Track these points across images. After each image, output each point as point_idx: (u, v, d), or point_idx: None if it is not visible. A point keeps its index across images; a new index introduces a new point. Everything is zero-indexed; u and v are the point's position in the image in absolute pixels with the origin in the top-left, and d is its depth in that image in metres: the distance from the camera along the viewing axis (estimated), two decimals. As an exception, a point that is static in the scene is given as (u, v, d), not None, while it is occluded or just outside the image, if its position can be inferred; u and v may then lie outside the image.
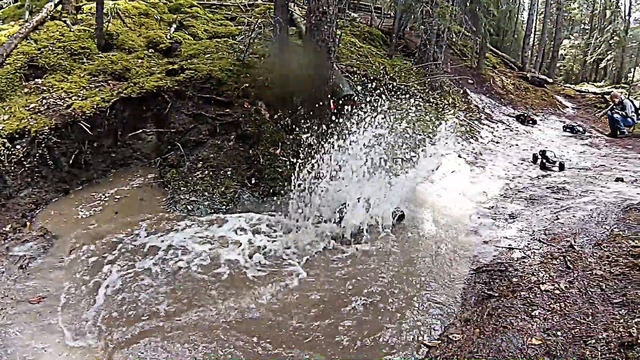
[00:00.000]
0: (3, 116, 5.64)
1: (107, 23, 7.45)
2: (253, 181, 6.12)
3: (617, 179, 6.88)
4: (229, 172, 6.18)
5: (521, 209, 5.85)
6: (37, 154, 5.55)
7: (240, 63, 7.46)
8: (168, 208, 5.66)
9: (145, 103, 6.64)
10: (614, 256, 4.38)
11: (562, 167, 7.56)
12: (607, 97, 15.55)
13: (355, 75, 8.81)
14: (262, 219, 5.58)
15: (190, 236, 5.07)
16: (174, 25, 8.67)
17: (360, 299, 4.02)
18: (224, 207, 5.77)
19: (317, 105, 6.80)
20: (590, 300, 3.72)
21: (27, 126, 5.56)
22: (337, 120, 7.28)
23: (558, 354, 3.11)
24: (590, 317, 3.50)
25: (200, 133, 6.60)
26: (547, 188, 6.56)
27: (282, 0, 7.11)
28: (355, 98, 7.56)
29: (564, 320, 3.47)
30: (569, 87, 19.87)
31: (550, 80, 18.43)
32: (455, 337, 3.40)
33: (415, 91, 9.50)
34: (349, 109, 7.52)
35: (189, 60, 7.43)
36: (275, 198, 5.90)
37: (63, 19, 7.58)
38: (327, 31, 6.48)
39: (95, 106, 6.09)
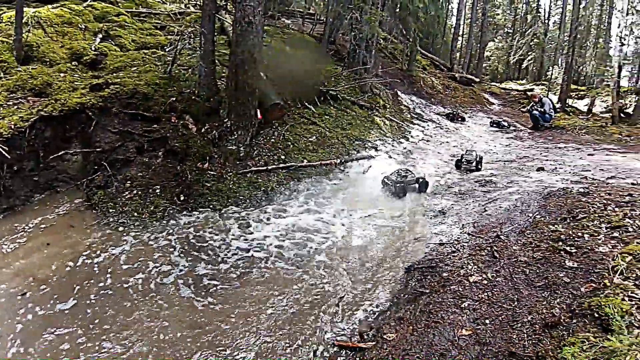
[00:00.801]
0: None
1: (27, 33, 6.95)
2: (182, 198, 6.02)
3: (539, 169, 7.54)
4: (157, 190, 6.06)
5: (451, 204, 6.16)
6: None
7: (167, 76, 7.40)
8: (99, 233, 5.35)
9: (69, 121, 6.34)
10: (536, 242, 4.75)
11: (477, 168, 7.99)
12: (529, 93, 17.16)
13: (285, 83, 8.93)
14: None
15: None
16: (100, 35, 8.26)
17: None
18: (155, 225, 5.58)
19: (244, 116, 6.87)
20: (516, 287, 3.98)
21: None
22: (264, 130, 7.35)
23: (487, 341, 3.28)
24: (516, 302, 3.74)
25: (127, 151, 6.43)
26: (476, 182, 6.99)
27: (209, 10, 7.07)
28: (281, 106, 7.67)
29: (492, 308, 3.67)
30: (495, 85, 21.72)
31: (478, 80, 19.98)
32: (390, 337, 3.45)
33: (345, 95, 9.78)
34: (277, 117, 7.64)
35: (114, 74, 7.21)
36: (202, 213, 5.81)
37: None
38: (252, 41, 6.57)
39: (13, 126, 5.66)
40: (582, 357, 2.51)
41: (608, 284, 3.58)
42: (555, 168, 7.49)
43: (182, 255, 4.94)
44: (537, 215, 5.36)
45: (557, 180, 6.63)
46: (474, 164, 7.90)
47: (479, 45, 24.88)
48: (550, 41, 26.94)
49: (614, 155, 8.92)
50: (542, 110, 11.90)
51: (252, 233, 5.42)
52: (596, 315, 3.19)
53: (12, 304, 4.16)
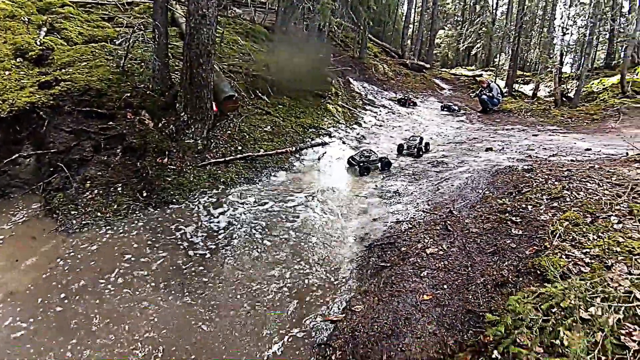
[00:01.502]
0: None
1: None
2: (145, 194, 6.04)
3: (487, 149, 8.20)
4: (119, 188, 6.04)
5: (406, 185, 6.61)
6: None
7: (120, 70, 7.29)
8: (61, 238, 5.23)
9: (18, 122, 6.18)
10: (485, 215, 5.29)
11: (419, 155, 8.28)
12: (478, 79, 18.25)
13: (239, 74, 9.04)
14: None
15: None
16: (45, 29, 7.89)
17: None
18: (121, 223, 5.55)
19: (200, 109, 6.96)
20: (469, 255, 4.46)
21: None
22: (220, 122, 7.47)
23: (447, 303, 3.70)
24: (469, 268, 4.21)
25: (83, 150, 6.32)
26: (428, 163, 7.52)
27: (161, 1, 6.99)
28: (236, 98, 7.83)
29: (448, 275, 4.11)
30: (445, 71, 22.86)
31: (428, 66, 20.93)
32: (358, 309, 3.80)
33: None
34: (232, 109, 7.77)
35: (63, 70, 7.01)
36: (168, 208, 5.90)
37: None
38: (206, 34, 6.63)
39: None
40: (525, 302, 2.96)
41: (548, 246, 4.13)
42: (503, 148, 8.18)
43: (154, 248, 5.04)
44: (486, 191, 5.93)
45: (504, 159, 7.27)
46: (414, 149, 8.26)
47: (429, 33, 25.91)
48: (498, 30, 28.65)
49: (556, 136, 9.84)
50: (491, 94, 12.82)
51: (218, 221, 5.64)
52: (538, 272, 3.71)
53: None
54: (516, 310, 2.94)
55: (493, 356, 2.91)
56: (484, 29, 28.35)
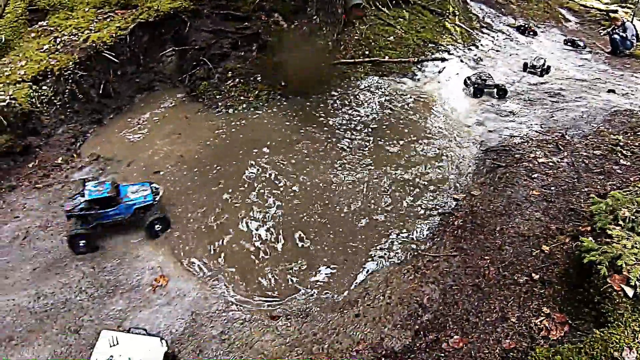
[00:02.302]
0: (20, 62, 6.35)
1: None
2: (282, 84, 7.33)
3: (610, 90, 8.36)
4: (258, 78, 7.39)
5: (520, 108, 7.25)
6: (66, 90, 6.41)
7: None
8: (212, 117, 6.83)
9: (163, 26, 7.52)
10: (596, 144, 5.97)
11: (541, 75, 9.08)
12: (612, 15, 17.04)
13: None
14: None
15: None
16: None
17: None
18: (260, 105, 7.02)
19: (331, 14, 7.95)
20: (576, 170, 5.31)
21: (48, 66, 6.31)
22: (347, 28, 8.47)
23: (553, 200, 4.68)
24: (575, 180, 5.09)
25: (223, 47, 7.68)
26: (545, 92, 8.01)
27: None
28: (363, 7, 8.71)
29: (556, 180, 5.04)
30: (574, 1, 21.22)
31: (554, -7, 19.64)
32: (476, 193, 4.95)
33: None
34: (358, 17, 8.72)
35: None
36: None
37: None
38: None
39: (114, 35, 6.89)
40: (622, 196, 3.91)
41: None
42: (627, 93, 8.37)
43: (299, 125, 6.53)
44: (601, 126, 6.49)
45: (625, 103, 7.61)
46: (539, 69, 9.06)
47: None
48: None
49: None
50: (624, 35, 12.19)
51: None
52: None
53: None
54: (615, 197, 3.89)
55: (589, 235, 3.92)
56: (627, -50, 25.27)
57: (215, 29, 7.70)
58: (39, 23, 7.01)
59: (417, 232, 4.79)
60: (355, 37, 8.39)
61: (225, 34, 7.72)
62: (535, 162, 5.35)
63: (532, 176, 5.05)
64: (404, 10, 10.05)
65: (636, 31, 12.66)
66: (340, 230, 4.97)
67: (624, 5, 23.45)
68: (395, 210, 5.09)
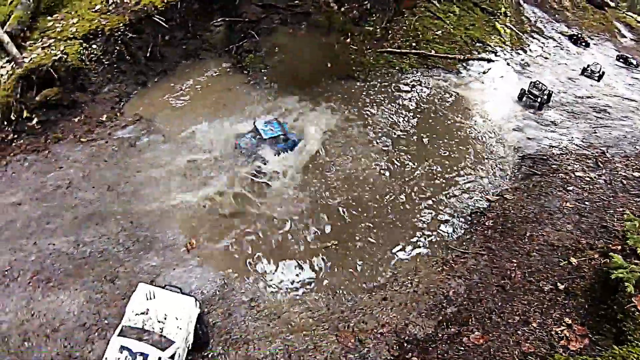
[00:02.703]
0: (72, 20, 6.57)
1: None
2: (329, 65, 7.50)
3: (659, 114, 8.33)
4: (305, 56, 7.53)
5: (563, 119, 7.25)
6: (115, 51, 6.65)
7: None
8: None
9: None
10: (637, 166, 6.02)
11: (598, 80, 9.62)
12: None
13: None
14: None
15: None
16: None
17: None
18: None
19: (380, 1, 8.15)
20: (613, 189, 5.36)
21: (99, 26, 6.55)
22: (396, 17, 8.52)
23: (586, 215, 4.80)
24: (611, 198, 5.16)
25: (272, 22, 7.86)
26: (590, 107, 7.93)
27: None
28: None
29: (591, 196, 5.12)
30: (632, 16, 20.44)
31: (613, 4, 18.85)
32: (509, 197, 5.07)
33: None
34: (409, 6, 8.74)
35: None
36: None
37: None
38: None
39: (165, 0, 7.05)
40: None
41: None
42: (679, 119, 8.26)
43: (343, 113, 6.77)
44: (645, 149, 6.52)
45: (675, 129, 7.51)
46: (597, 74, 9.67)
47: None
48: None
49: None
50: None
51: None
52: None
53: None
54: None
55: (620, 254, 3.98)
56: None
57: (266, 3, 7.85)
58: None
59: (448, 226, 4.98)
60: (404, 28, 8.47)
61: (275, 9, 7.86)
62: (572, 175, 5.43)
63: (568, 188, 5.13)
64: (455, 5, 10.00)
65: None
66: (376, 216, 5.19)
67: (684, 25, 22.52)
68: (429, 203, 5.29)
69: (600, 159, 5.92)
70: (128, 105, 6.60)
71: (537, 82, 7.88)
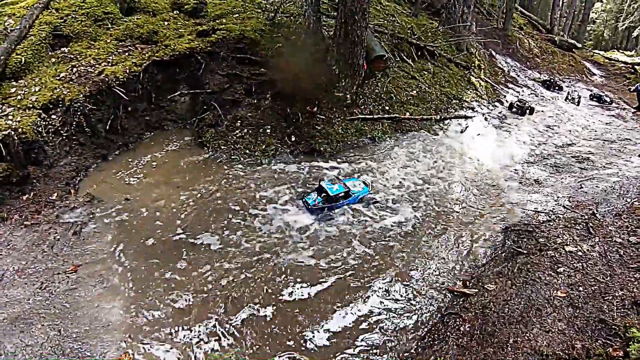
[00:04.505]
0: (34, 87, 5.76)
1: None
2: (293, 138, 6.42)
3: (641, 154, 7.22)
4: (268, 130, 6.46)
5: (547, 176, 6.22)
6: (74, 123, 5.71)
7: (271, 23, 7.56)
8: (213, 167, 5.84)
9: (178, 65, 6.78)
10: (632, 227, 4.83)
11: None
12: (638, 67, 15.45)
13: (383, 35, 8.85)
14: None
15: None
16: None
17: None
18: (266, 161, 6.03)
19: (351, 65, 7.02)
20: (609, 264, 4.19)
21: (61, 95, 5.70)
22: (368, 80, 7.51)
23: (580, 306, 3.62)
24: (608, 277, 3.99)
25: (236, 93, 6.80)
26: (572, 157, 6.89)
27: None
28: (386, 58, 7.75)
29: (586, 278, 3.95)
30: (598, 54, 19.50)
31: (579, 45, 18.05)
32: (491, 287, 3.89)
33: (442, 52, 9.54)
34: (380, 69, 7.74)
35: (217, 21, 7.43)
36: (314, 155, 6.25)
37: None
38: None
39: (127, 71, 6.22)
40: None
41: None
42: (660, 156, 7.13)
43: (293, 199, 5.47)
44: (635, 201, 5.35)
45: (660, 169, 6.39)
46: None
47: (583, 4, 21.85)
48: None
49: None
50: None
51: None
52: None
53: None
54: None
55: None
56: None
57: (230, 72, 6.89)
58: (62, 49, 6.39)
59: (410, 334, 3.71)
60: (376, 91, 7.51)
61: (240, 79, 6.88)
62: (562, 250, 4.28)
63: (558, 270, 3.99)
64: (429, 63, 9.12)
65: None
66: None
67: (650, 57, 21.49)
68: (382, 304, 4.01)
69: (591, 223, 4.76)
70: (85, 181, 5.61)
71: (521, 99, 9.22)
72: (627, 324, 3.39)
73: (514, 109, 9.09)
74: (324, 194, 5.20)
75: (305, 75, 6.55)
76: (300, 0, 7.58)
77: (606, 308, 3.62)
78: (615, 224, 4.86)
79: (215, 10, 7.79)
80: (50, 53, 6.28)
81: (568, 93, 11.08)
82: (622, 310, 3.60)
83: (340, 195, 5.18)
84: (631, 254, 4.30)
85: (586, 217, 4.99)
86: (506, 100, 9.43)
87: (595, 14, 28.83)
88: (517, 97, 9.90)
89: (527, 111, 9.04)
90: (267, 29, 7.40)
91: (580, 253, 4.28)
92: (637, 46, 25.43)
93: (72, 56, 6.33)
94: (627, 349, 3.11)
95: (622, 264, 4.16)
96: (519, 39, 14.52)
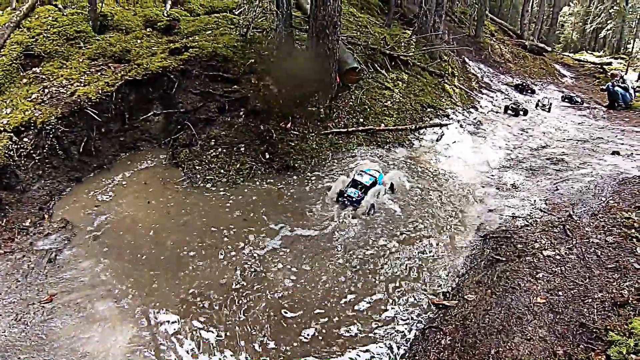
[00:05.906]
0: (5, 110, 5.58)
1: (100, 4, 7.12)
2: (267, 156, 6.29)
3: (614, 152, 7.26)
4: (242, 148, 6.31)
5: (523, 179, 6.24)
6: (46, 145, 5.53)
7: (243, 39, 7.50)
8: (188, 189, 5.71)
9: (151, 84, 6.64)
10: (608, 226, 4.84)
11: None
12: (610, 72, 15.86)
13: (357, 47, 8.90)
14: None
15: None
16: (170, 2, 8.37)
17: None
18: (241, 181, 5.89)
19: (323, 79, 6.97)
20: (587, 265, 4.18)
21: (32, 118, 5.51)
22: (342, 93, 7.49)
23: (560, 311, 3.57)
24: (587, 280, 3.97)
25: (209, 111, 6.67)
26: (547, 159, 6.95)
27: None
28: (359, 70, 7.76)
29: (565, 282, 3.92)
30: (568, 56, 20.06)
31: (549, 49, 18.55)
32: (470, 298, 3.83)
33: (415, 61, 9.63)
34: (354, 81, 7.74)
35: (190, 38, 7.35)
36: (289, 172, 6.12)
37: (54, 3, 7.22)
38: (332, 5, 6.48)
39: (100, 91, 6.05)
40: None
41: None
42: (632, 154, 7.23)
43: (271, 216, 5.39)
44: (610, 200, 5.38)
45: (633, 167, 6.47)
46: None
47: (552, 9, 22.49)
48: (633, 10, 24.04)
49: None
50: (625, 86, 11.04)
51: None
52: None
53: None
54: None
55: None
56: (615, 7, 23.96)
57: (203, 91, 6.78)
58: (33, 69, 6.22)
59: (389, 352, 3.58)
60: (350, 103, 7.49)
61: (213, 97, 6.76)
62: (540, 255, 4.26)
63: (537, 276, 3.95)
64: (403, 73, 9.18)
65: (633, 85, 11.50)
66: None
67: (617, 56, 22.23)
68: (362, 318, 3.89)
69: (568, 225, 4.78)
70: (58, 204, 5.42)
71: (516, 102, 9.90)
72: (608, 327, 3.36)
73: (510, 112, 9.73)
74: (359, 186, 5.37)
75: (277, 90, 6.51)
76: (272, 15, 7.53)
77: (586, 311, 3.58)
78: (591, 224, 4.87)
79: (188, 27, 7.73)
80: (21, 73, 6.13)
81: (538, 100, 11.04)
82: (603, 312, 3.56)
83: (371, 184, 5.41)
84: (608, 254, 4.29)
85: (563, 219, 4.99)
86: (480, 106, 9.56)
87: (564, 17, 29.73)
88: (510, 101, 10.68)
89: (522, 112, 9.72)
90: (240, 46, 7.32)
91: (558, 257, 4.26)
92: (605, 47, 26.30)
93: (44, 76, 6.18)
94: (608, 353, 3.08)
95: (600, 265, 4.15)
96: (491, 45, 14.83)
